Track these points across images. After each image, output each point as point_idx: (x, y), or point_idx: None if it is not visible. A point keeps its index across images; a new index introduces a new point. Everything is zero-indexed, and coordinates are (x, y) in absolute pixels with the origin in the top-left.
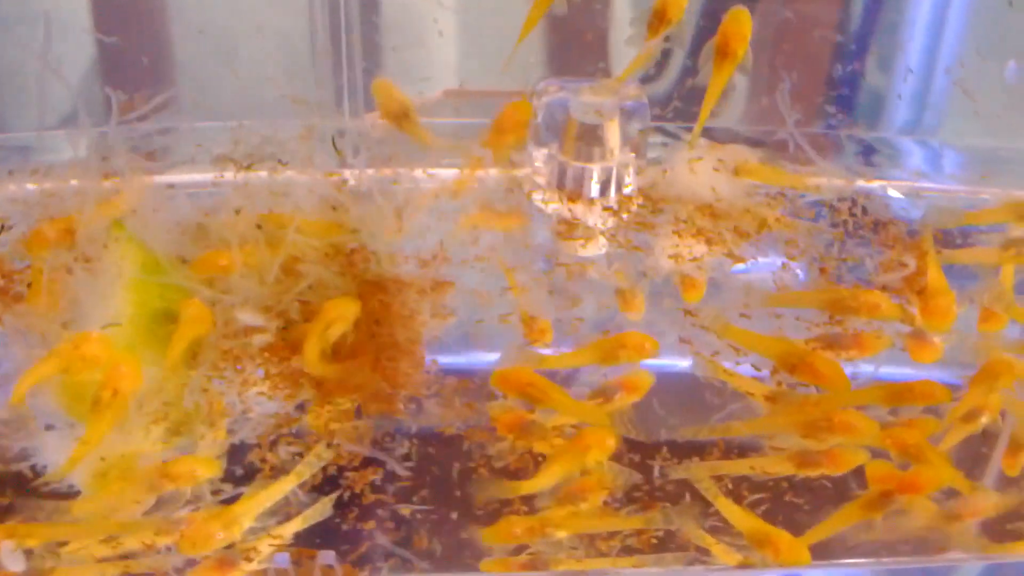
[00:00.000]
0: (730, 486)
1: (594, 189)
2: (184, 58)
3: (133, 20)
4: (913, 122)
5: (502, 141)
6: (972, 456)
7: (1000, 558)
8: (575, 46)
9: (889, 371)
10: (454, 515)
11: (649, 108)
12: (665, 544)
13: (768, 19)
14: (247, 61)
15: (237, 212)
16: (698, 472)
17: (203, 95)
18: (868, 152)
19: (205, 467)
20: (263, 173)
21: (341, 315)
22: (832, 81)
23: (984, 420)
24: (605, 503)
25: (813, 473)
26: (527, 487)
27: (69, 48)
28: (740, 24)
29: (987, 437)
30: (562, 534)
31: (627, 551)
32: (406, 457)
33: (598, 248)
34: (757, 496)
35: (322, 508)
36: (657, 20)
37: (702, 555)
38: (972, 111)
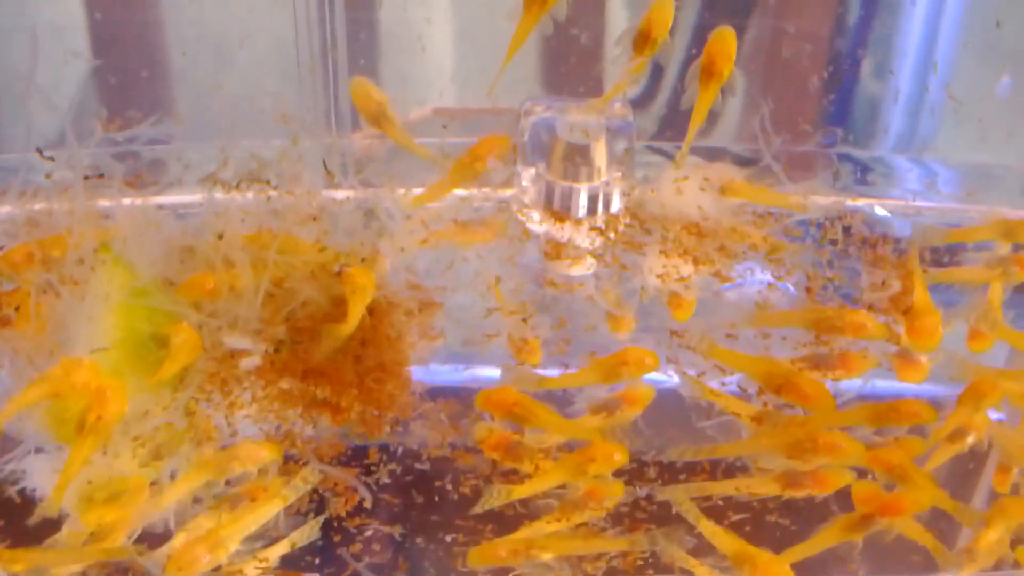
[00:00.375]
0: (720, 503)
1: (582, 208)
2: (180, 74)
3: (129, 36)
4: (907, 139)
5: (472, 167)
6: (962, 474)
7: None
8: (568, 62)
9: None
10: (440, 537)
11: (635, 127)
12: (651, 566)
13: (760, 37)
14: (241, 78)
15: (220, 237)
16: (677, 493)
17: (200, 112)
18: (862, 170)
19: (269, 450)
20: (249, 194)
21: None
22: (824, 99)
23: (971, 440)
24: (590, 524)
25: (799, 494)
26: (522, 491)
27: (64, 65)
28: (725, 44)
29: (975, 456)
30: (547, 556)
31: (612, 572)
32: (392, 478)
33: (586, 268)
34: (742, 516)
35: (309, 531)
36: (642, 40)
37: None
38: (969, 126)
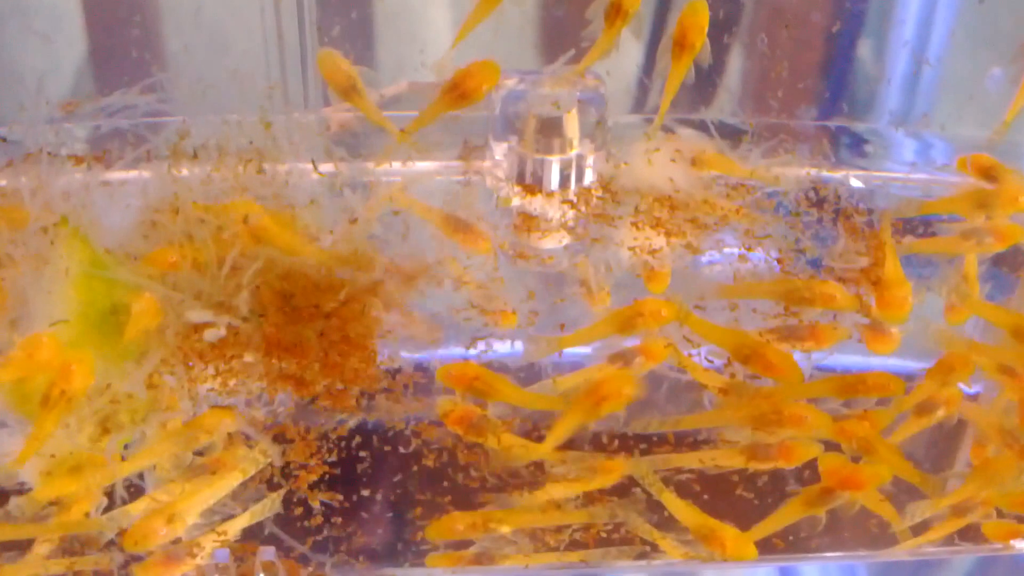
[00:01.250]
0: (688, 476)
1: (554, 181)
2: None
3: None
4: (904, 112)
5: (456, 95)
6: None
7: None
8: (558, 36)
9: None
10: (402, 510)
11: (607, 98)
12: (613, 539)
13: (758, 9)
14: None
15: (176, 212)
16: (640, 467)
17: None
18: (857, 143)
19: (232, 417)
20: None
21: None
22: (821, 71)
23: (940, 414)
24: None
25: (765, 466)
26: (539, 451)
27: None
28: (697, 16)
29: (952, 431)
30: (506, 529)
31: (575, 545)
32: (357, 453)
33: (558, 241)
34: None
35: (271, 504)
36: (614, 12)
37: (650, 549)
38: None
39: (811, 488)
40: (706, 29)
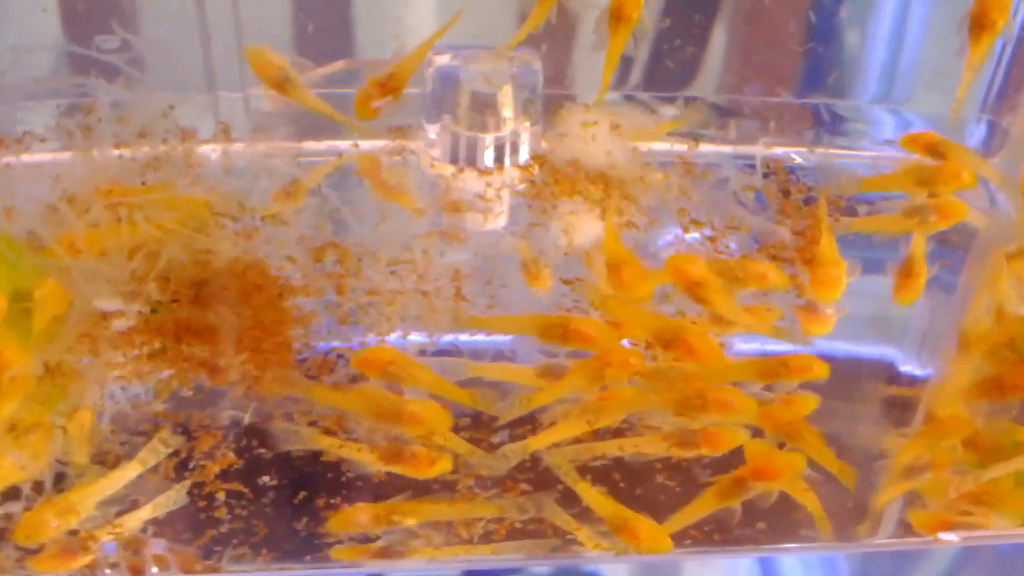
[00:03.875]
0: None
1: (488, 159)
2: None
3: None
4: (884, 92)
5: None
6: None
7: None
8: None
9: None
10: (309, 502)
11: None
12: (528, 531)
13: None
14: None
15: (70, 200)
16: (556, 456)
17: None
18: (836, 120)
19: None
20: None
21: None
22: (801, 49)
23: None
24: (466, 489)
25: (690, 454)
26: (540, 399)
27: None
28: None
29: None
30: (410, 522)
31: (487, 537)
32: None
33: (496, 221)
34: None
35: (176, 495)
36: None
37: (568, 542)
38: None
39: (724, 478)
40: (643, 2)
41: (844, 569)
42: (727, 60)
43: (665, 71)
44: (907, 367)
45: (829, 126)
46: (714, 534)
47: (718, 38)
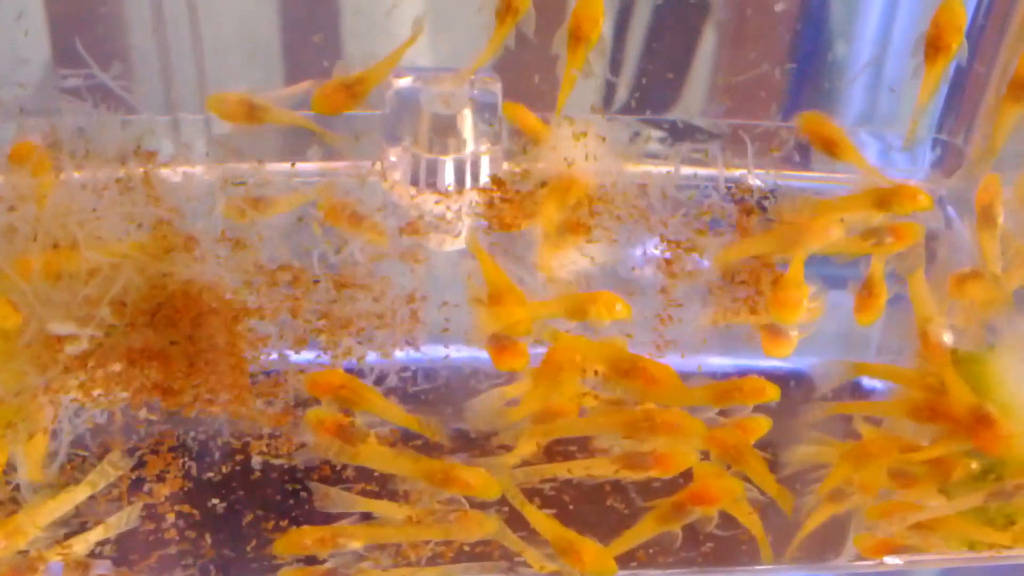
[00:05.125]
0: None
1: (449, 181)
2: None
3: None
4: (868, 113)
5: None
6: None
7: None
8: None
9: None
10: (257, 524)
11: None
12: (476, 554)
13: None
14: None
15: (11, 208)
16: (503, 477)
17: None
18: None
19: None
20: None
21: None
22: (785, 72)
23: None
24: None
25: (638, 476)
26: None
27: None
28: (591, 7)
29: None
30: (356, 544)
31: (435, 559)
32: (217, 463)
33: (456, 242)
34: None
35: (127, 517)
36: (504, 8)
37: (517, 564)
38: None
39: (664, 503)
40: (601, 21)
41: None
42: (711, 83)
43: (647, 94)
44: (871, 383)
45: (811, 149)
46: (658, 556)
47: (701, 61)
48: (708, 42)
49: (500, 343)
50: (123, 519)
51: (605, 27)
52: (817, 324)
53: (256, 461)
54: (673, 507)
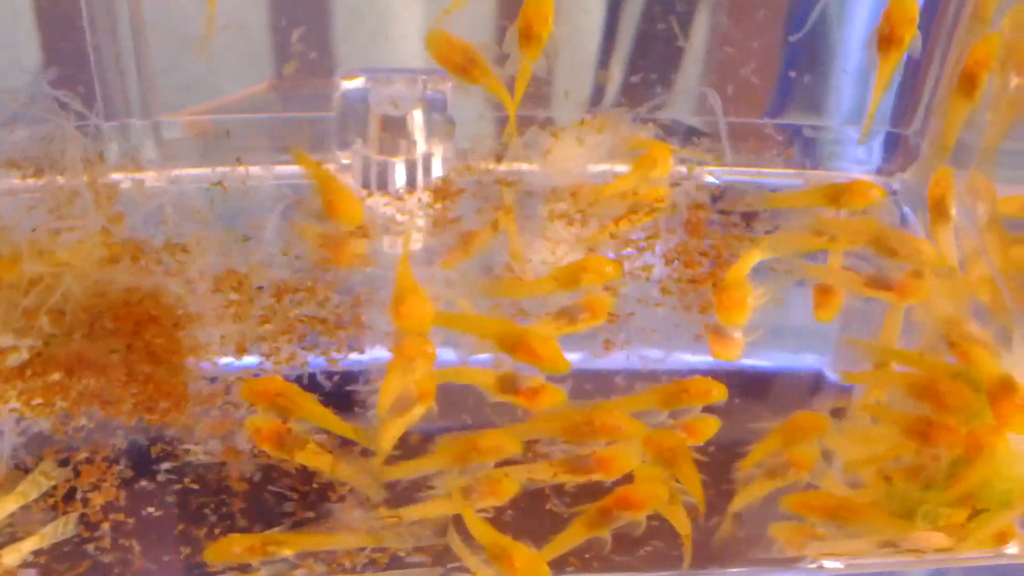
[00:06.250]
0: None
1: (399, 183)
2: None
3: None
4: (857, 111)
5: None
6: None
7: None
8: None
9: None
10: (190, 532)
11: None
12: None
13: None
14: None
15: None
16: (444, 481)
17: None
18: (807, 143)
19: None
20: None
21: None
22: (774, 71)
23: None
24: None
25: (581, 479)
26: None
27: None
28: (541, 5)
29: None
30: (287, 552)
31: (370, 565)
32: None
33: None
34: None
35: (64, 526)
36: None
37: (452, 570)
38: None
39: (590, 508)
40: (551, 19)
41: None
42: (700, 81)
43: (637, 92)
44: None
45: (802, 147)
46: (593, 561)
47: (691, 58)
48: (699, 39)
49: (400, 344)
50: (59, 529)
51: None
52: (767, 324)
53: (191, 469)
54: (599, 512)
